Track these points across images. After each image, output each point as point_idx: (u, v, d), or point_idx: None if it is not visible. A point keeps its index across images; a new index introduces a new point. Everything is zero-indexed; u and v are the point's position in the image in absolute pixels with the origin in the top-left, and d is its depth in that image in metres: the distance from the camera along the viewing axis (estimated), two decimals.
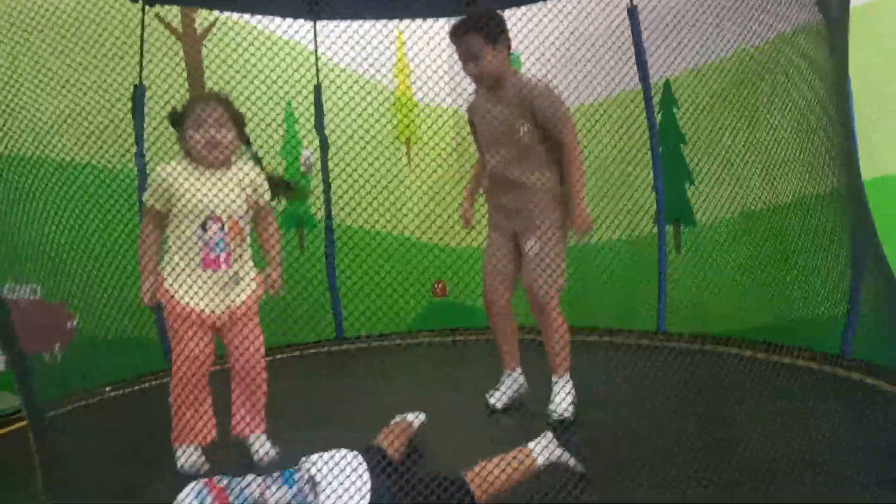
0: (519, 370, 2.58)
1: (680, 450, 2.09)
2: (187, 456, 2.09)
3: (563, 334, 2.32)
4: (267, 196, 2.21)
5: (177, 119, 2.17)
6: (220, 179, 2.09)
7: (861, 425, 2.31)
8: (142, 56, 3.38)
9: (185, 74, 3.87)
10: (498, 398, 2.49)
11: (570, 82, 3.81)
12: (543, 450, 1.84)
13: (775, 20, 2.87)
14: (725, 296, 3.64)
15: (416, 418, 2.30)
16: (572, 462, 1.89)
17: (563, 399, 2.28)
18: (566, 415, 2.27)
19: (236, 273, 2.12)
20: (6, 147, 2.58)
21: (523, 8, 3.52)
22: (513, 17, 3.72)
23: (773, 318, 3.43)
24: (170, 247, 2.11)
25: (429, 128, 4.44)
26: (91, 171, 3.21)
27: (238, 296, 2.13)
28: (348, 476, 1.60)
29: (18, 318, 3.37)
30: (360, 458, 1.68)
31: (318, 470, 1.62)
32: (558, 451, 1.87)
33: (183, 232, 2.07)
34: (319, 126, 4.07)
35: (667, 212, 3.92)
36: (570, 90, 3.83)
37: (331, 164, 4.15)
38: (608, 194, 3.92)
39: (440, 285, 4.63)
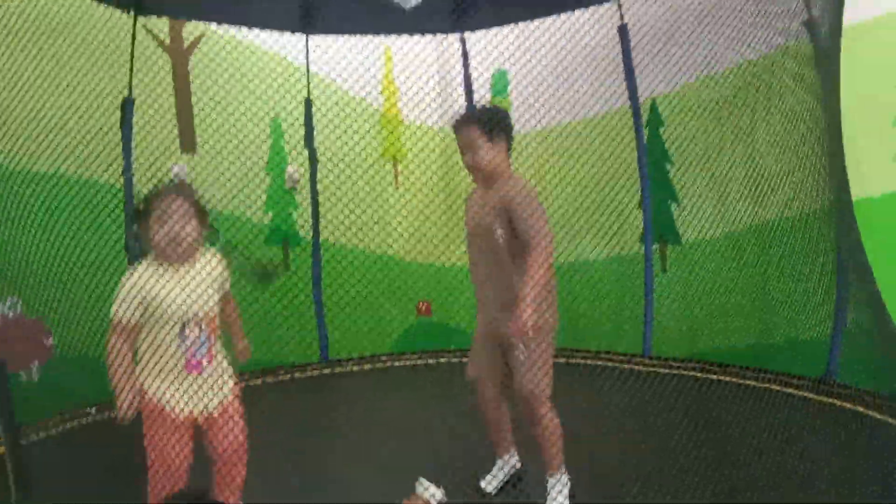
0: (511, 454, 2.58)
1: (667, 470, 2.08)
2: None
3: (555, 434, 2.31)
4: (228, 284, 2.17)
5: (140, 214, 2.08)
6: (193, 278, 2.03)
7: (847, 450, 2.33)
8: (132, 68, 3.34)
9: (171, 87, 3.83)
10: (489, 481, 2.50)
11: (559, 99, 3.86)
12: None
13: (762, 40, 2.92)
14: (711, 316, 3.65)
15: (432, 496, 2.29)
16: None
17: (561, 500, 2.29)
18: None
19: (216, 370, 2.06)
20: None
21: (513, 25, 3.57)
22: (503, 34, 3.77)
23: (759, 339, 3.45)
24: (145, 353, 2.01)
25: (415, 146, 4.43)
26: (74, 185, 3.15)
27: (222, 392, 2.07)
28: None
29: None
30: None
31: None
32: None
33: (161, 338, 1.98)
34: (309, 141, 4.05)
35: (653, 230, 3.94)
36: (559, 108, 3.89)
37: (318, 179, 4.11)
38: (595, 212, 3.94)
39: (425, 305, 4.60)
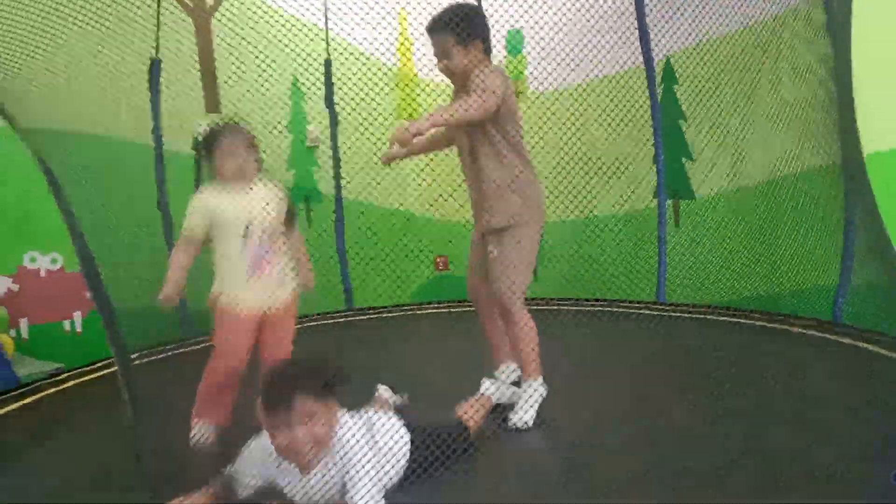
0: (509, 363, 2.57)
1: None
2: (203, 432, 2.27)
3: (530, 336, 2.28)
4: (285, 205, 2.38)
5: (200, 146, 2.39)
6: (253, 197, 2.28)
7: (851, 384, 2.47)
8: (158, 30, 3.44)
9: (195, 49, 3.93)
10: (493, 390, 2.46)
11: (574, 58, 3.92)
12: (496, 392, 2.41)
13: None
14: (722, 267, 3.78)
15: (389, 394, 2.52)
16: (514, 398, 2.39)
17: (526, 410, 2.28)
18: (521, 425, 2.27)
19: (276, 276, 2.31)
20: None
21: None
22: None
23: (769, 288, 3.58)
24: (216, 262, 2.31)
25: (431, 104, 4.50)
26: (109, 144, 3.27)
27: (279, 294, 2.32)
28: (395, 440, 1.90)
29: (38, 287, 3.51)
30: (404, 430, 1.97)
31: (378, 419, 1.94)
32: (507, 393, 2.42)
33: (227, 247, 2.27)
34: (329, 101, 4.14)
35: (666, 186, 4.05)
36: (573, 66, 3.95)
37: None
38: (609, 169, 4.04)
39: (442, 260, 4.74)
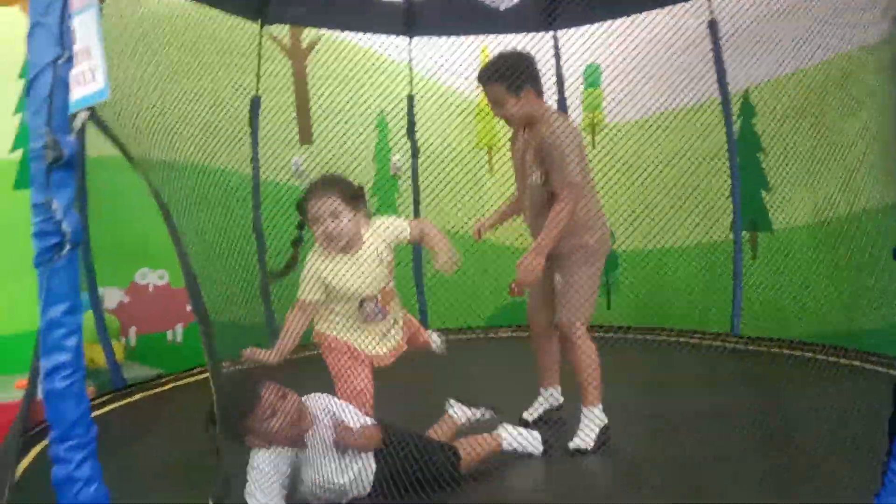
0: (553, 388, 2.65)
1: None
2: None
3: (590, 365, 2.30)
4: (405, 234, 2.33)
5: (301, 212, 2.31)
6: (364, 262, 2.23)
7: None
8: (259, 70, 3.79)
9: (292, 87, 4.28)
10: (530, 412, 2.63)
11: (650, 90, 3.99)
12: (508, 437, 2.32)
13: (853, 34, 2.96)
14: (799, 301, 3.71)
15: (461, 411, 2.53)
16: (530, 449, 2.32)
17: (586, 434, 2.30)
18: (582, 447, 2.29)
19: (391, 324, 2.35)
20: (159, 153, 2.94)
21: (604, 23, 3.74)
22: (593, 30, 3.94)
23: (847, 325, 3.49)
24: (331, 318, 2.31)
25: (508, 135, 4.65)
26: (212, 174, 3.61)
27: (392, 341, 2.36)
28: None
29: (147, 300, 3.90)
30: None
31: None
32: (519, 441, 2.31)
33: (342, 310, 2.28)
34: (411, 133, 4.39)
35: (743, 218, 4.02)
36: (649, 98, 4.02)
37: (420, 169, 4.45)
38: (686, 201, 4.05)
39: (517, 286, 4.85)
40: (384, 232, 2.31)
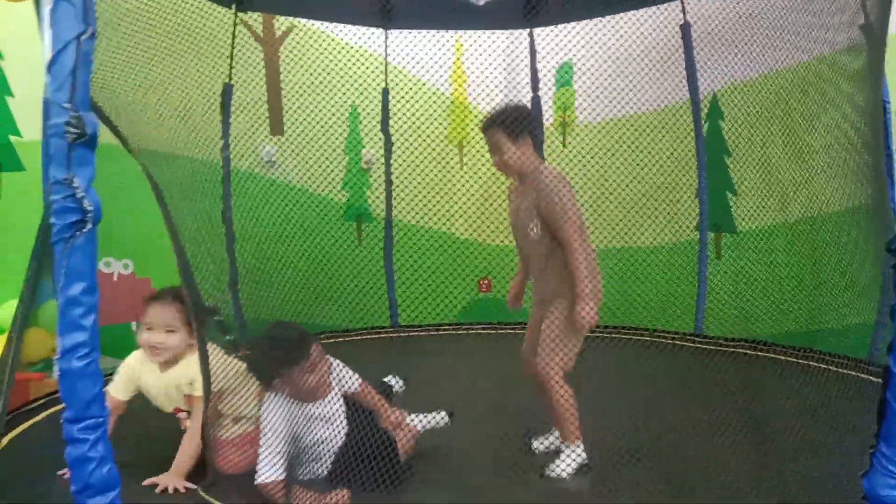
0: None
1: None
2: None
3: (567, 407, 2.34)
4: (198, 389, 2.28)
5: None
6: (166, 377, 2.31)
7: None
8: (232, 58, 3.73)
9: (263, 75, 4.22)
10: (541, 442, 2.57)
11: (622, 92, 4.06)
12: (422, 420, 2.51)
13: (820, 40, 3.05)
14: (761, 302, 3.81)
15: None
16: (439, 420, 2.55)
17: (566, 464, 2.33)
18: (557, 473, 2.32)
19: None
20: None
21: (580, 22, 3.78)
22: (567, 29, 3.99)
23: (807, 325, 3.60)
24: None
25: (480, 132, 4.67)
26: (186, 162, 3.54)
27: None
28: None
29: (110, 290, 3.81)
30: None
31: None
32: (432, 422, 2.53)
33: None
34: (385, 126, 4.37)
35: (708, 219, 4.11)
36: (621, 100, 4.08)
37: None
38: (652, 201, 4.14)
39: (486, 282, 4.89)
40: (193, 372, 2.31)
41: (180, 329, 2.24)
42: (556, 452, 2.45)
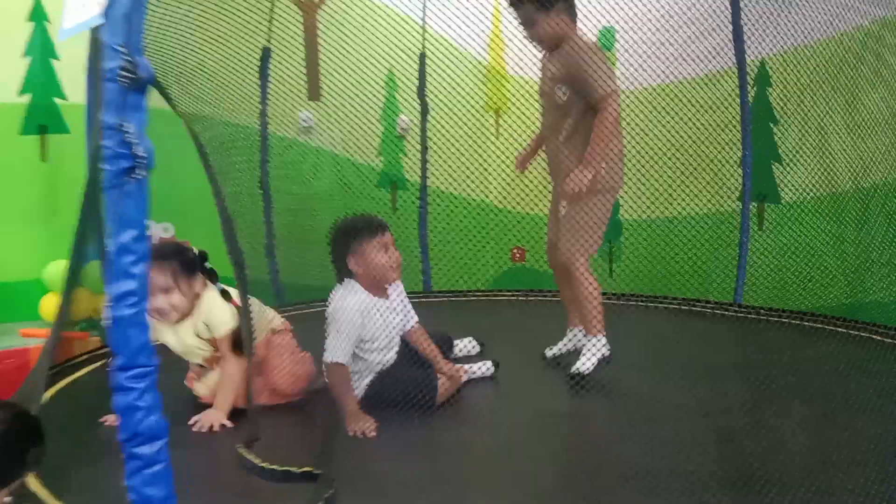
0: (579, 329, 2.62)
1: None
2: None
3: (592, 296, 2.31)
4: (222, 329, 2.31)
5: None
6: (182, 332, 2.35)
7: None
8: (270, 21, 3.72)
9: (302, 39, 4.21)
10: (553, 350, 2.64)
11: (666, 58, 3.94)
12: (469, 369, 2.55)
13: (874, 4, 2.92)
14: (804, 273, 3.72)
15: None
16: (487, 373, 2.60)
17: (588, 359, 2.33)
18: (583, 370, 2.33)
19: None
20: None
21: None
22: None
23: (851, 298, 3.51)
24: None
25: (518, 100, 4.61)
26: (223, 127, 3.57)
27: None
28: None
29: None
30: None
31: None
32: (478, 372, 2.58)
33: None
34: (421, 92, 4.34)
35: (752, 189, 4.01)
36: (665, 66, 3.97)
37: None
38: (694, 170, 4.03)
39: (519, 251, 4.86)
40: (207, 315, 2.32)
41: (177, 287, 2.25)
42: (577, 352, 2.46)
